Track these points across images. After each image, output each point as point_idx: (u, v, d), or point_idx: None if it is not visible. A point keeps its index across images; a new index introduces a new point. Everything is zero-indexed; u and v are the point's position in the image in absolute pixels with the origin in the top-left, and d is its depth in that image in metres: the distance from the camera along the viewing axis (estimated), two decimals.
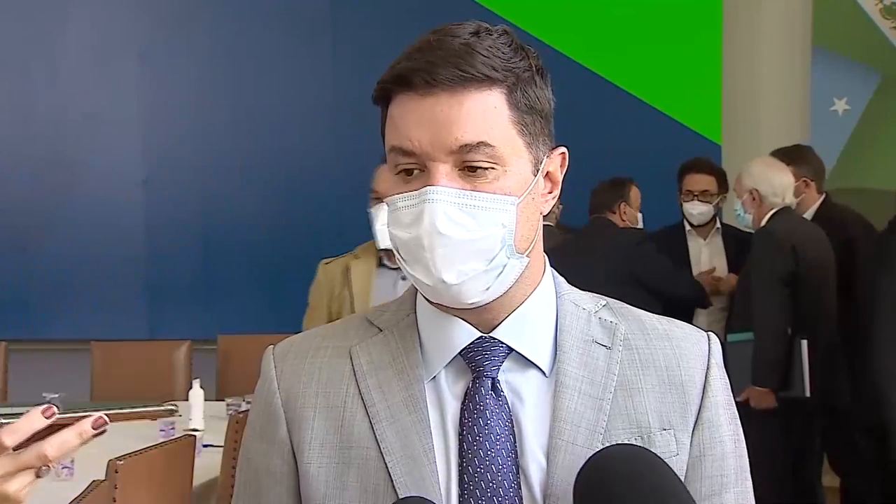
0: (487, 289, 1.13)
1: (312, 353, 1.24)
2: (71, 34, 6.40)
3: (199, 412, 4.22)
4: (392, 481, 1.15)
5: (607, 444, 1.14)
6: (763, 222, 4.43)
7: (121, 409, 1.14)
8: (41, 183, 6.36)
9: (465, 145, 1.10)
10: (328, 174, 6.00)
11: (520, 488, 1.14)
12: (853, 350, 4.34)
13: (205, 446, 3.89)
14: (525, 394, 1.18)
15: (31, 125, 6.43)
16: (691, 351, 1.22)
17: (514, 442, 1.15)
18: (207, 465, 3.60)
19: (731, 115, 5.94)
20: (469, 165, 1.11)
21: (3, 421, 1.09)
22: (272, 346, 1.28)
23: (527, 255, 1.16)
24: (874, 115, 5.86)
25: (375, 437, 1.17)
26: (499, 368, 1.17)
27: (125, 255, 6.28)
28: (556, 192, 1.20)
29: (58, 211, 6.34)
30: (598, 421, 1.16)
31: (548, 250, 1.25)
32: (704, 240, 5.04)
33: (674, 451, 1.17)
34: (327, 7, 6.21)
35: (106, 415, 1.12)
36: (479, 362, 1.17)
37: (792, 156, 4.79)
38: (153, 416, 1.15)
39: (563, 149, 1.21)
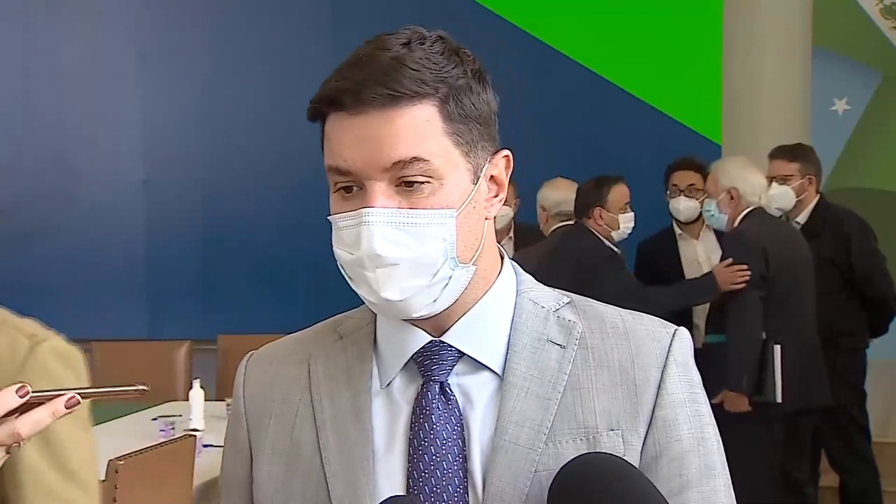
0: (435, 301, 1.13)
1: (279, 360, 1.26)
2: (71, 34, 6.40)
3: (199, 412, 4.22)
4: (328, 491, 1.16)
5: (550, 444, 1.13)
6: (736, 223, 4.42)
7: (92, 388, 1.15)
8: (41, 183, 6.37)
9: (399, 161, 1.09)
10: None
11: (466, 492, 1.14)
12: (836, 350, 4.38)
13: (205, 446, 3.89)
14: (475, 396, 1.17)
15: (31, 125, 6.43)
16: (649, 349, 1.18)
17: (463, 445, 1.15)
18: (207, 465, 3.60)
19: (731, 115, 5.94)
20: (405, 181, 1.10)
21: None
22: (252, 352, 1.30)
23: (473, 264, 1.15)
24: (874, 115, 5.86)
25: (319, 446, 1.18)
26: (448, 373, 1.17)
27: (125, 255, 6.29)
28: (503, 195, 1.20)
29: (58, 211, 6.34)
30: (542, 421, 1.14)
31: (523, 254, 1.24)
32: (696, 238, 5.02)
33: (620, 453, 1.13)
34: (327, 7, 6.21)
35: (78, 393, 1.12)
36: (427, 367, 1.17)
37: (797, 153, 4.79)
38: (126, 396, 1.16)
39: (507, 151, 1.19)
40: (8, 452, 1.13)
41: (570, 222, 4.79)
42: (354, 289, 1.14)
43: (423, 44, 1.12)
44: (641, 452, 1.15)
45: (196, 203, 6.29)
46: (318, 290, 5.88)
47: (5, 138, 6.43)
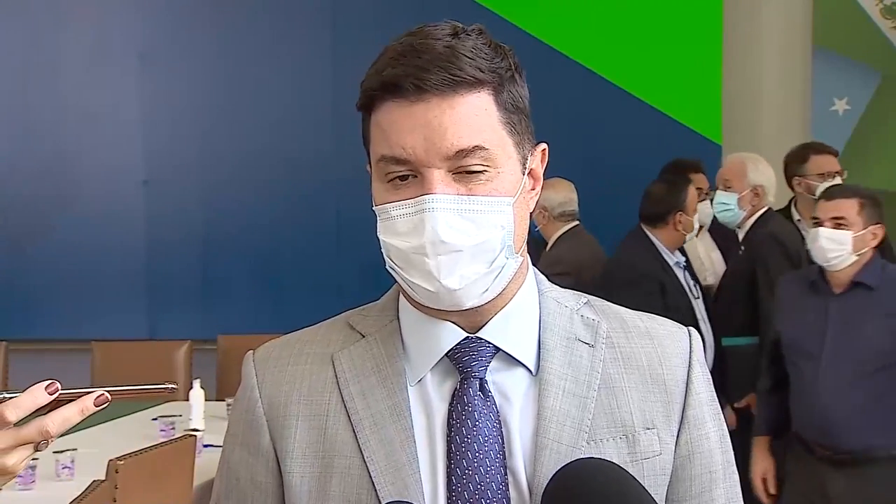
0: (486, 291, 1.13)
1: (294, 359, 1.22)
2: (71, 34, 6.40)
3: (199, 412, 4.22)
4: (376, 491, 1.14)
5: (592, 444, 1.14)
6: (751, 221, 4.40)
7: (122, 387, 1.15)
8: (41, 183, 6.37)
9: (461, 150, 1.09)
10: (328, 174, 6.00)
11: (508, 489, 1.13)
12: None
13: (205, 446, 3.90)
14: (512, 393, 1.17)
15: (31, 125, 6.43)
16: (673, 349, 1.21)
17: (503, 443, 1.15)
18: (207, 465, 3.60)
19: (731, 115, 5.94)
20: (464, 170, 1.10)
21: (7, 396, 1.10)
22: (252, 351, 1.26)
23: (521, 255, 1.16)
24: (874, 115, 5.86)
25: (359, 445, 1.16)
26: (486, 368, 1.17)
27: (125, 255, 6.28)
28: (538, 189, 1.20)
29: (58, 211, 6.34)
30: (582, 419, 1.15)
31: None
32: (696, 235, 5.00)
33: (657, 451, 1.17)
34: (327, 7, 6.21)
35: (108, 391, 1.13)
36: (466, 363, 1.16)
37: (833, 152, 4.74)
38: (154, 394, 1.16)
39: (544, 145, 1.20)
40: (37, 449, 1.12)
41: (576, 223, 4.77)
42: (404, 277, 1.13)
43: (469, 35, 1.12)
44: (675, 451, 1.18)
45: (196, 203, 6.28)
46: (318, 290, 5.89)
47: (5, 138, 6.43)
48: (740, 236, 4.52)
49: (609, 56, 5.94)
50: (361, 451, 1.15)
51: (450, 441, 1.14)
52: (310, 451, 1.18)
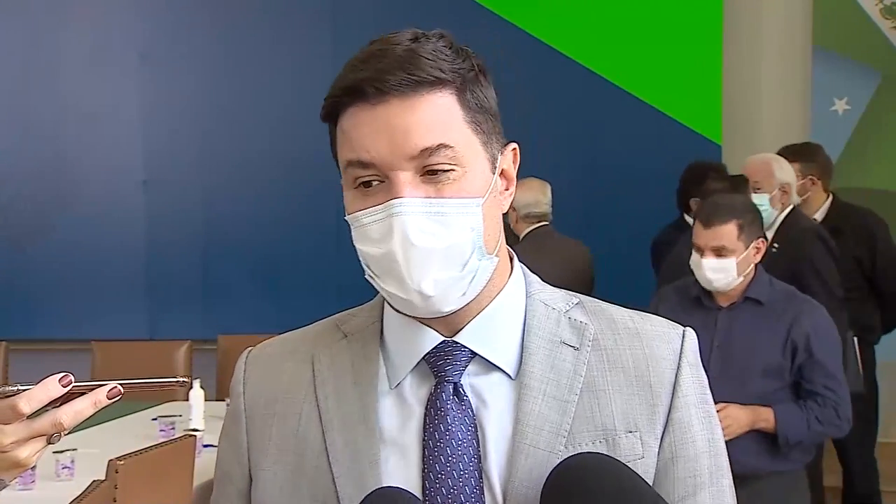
0: (463, 294, 1.12)
1: (283, 357, 1.24)
2: (71, 34, 6.40)
3: (199, 412, 4.22)
4: (337, 493, 1.14)
5: (570, 447, 1.13)
6: (779, 221, 4.36)
7: (134, 380, 1.17)
8: (41, 183, 6.37)
9: (426, 149, 1.09)
10: (328, 174, 5.98)
11: (482, 492, 1.13)
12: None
13: (205, 446, 3.89)
14: (489, 397, 1.16)
15: (31, 125, 6.43)
16: (662, 350, 1.19)
17: (478, 446, 1.14)
18: (207, 465, 3.58)
19: (731, 115, 5.94)
20: (431, 169, 1.10)
21: (21, 388, 1.11)
22: (249, 348, 1.29)
23: (495, 255, 1.15)
24: (874, 115, 5.86)
25: (326, 446, 1.16)
26: (461, 373, 1.16)
27: (125, 255, 6.29)
28: (512, 189, 1.19)
29: (58, 211, 6.34)
30: (561, 424, 1.14)
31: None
32: None
33: (639, 454, 1.15)
34: (328, 7, 6.22)
35: (120, 384, 1.14)
36: (441, 367, 1.16)
37: (799, 153, 4.73)
38: (166, 388, 1.18)
39: (514, 145, 1.20)
40: (50, 442, 1.14)
41: (544, 224, 4.67)
42: (380, 286, 1.12)
43: (430, 39, 1.13)
44: (658, 454, 1.16)
45: (196, 203, 6.29)
46: (318, 290, 5.89)
47: (5, 138, 6.44)
48: (769, 235, 4.48)
49: (609, 56, 5.94)
50: (327, 452, 1.16)
51: (424, 444, 1.15)
52: (283, 450, 1.19)
